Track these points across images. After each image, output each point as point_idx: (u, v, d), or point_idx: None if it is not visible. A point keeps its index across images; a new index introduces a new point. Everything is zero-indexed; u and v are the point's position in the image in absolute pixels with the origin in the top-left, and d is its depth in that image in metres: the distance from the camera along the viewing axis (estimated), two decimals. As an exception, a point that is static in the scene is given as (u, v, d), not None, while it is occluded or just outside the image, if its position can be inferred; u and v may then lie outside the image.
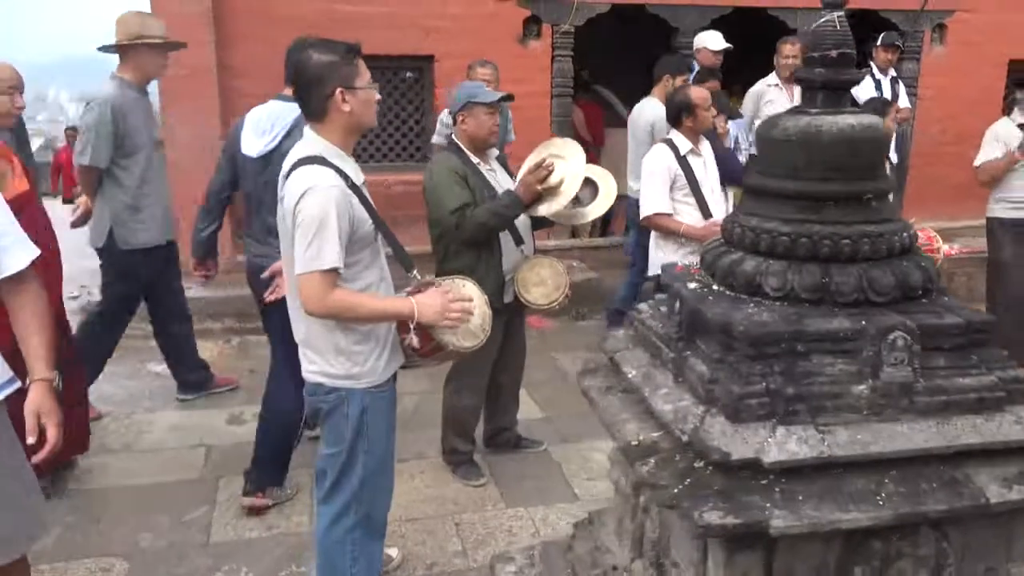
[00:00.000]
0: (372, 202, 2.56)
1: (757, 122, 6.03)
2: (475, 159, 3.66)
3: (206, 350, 5.49)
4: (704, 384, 1.84)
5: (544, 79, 6.37)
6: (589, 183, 3.79)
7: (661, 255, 4.36)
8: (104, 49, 4.28)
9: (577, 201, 3.73)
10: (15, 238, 2.22)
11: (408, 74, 6.20)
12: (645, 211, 4.28)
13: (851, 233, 1.83)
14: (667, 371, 2.03)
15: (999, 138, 5.11)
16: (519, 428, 4.27)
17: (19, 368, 2.39)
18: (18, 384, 2.27)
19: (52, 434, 2.19)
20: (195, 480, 3.94)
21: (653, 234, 4.47)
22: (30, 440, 2.17)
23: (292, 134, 3.55)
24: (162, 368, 5.22)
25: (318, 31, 5.83)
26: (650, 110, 5.38)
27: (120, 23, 4.16)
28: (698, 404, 1.86)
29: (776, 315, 1.82)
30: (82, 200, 4.43)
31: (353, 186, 2.45)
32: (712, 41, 5.70)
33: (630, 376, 2.11)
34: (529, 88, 5.97)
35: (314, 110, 2.47)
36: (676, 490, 1.75)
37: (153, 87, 4.98)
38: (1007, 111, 5.37)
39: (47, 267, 3.53)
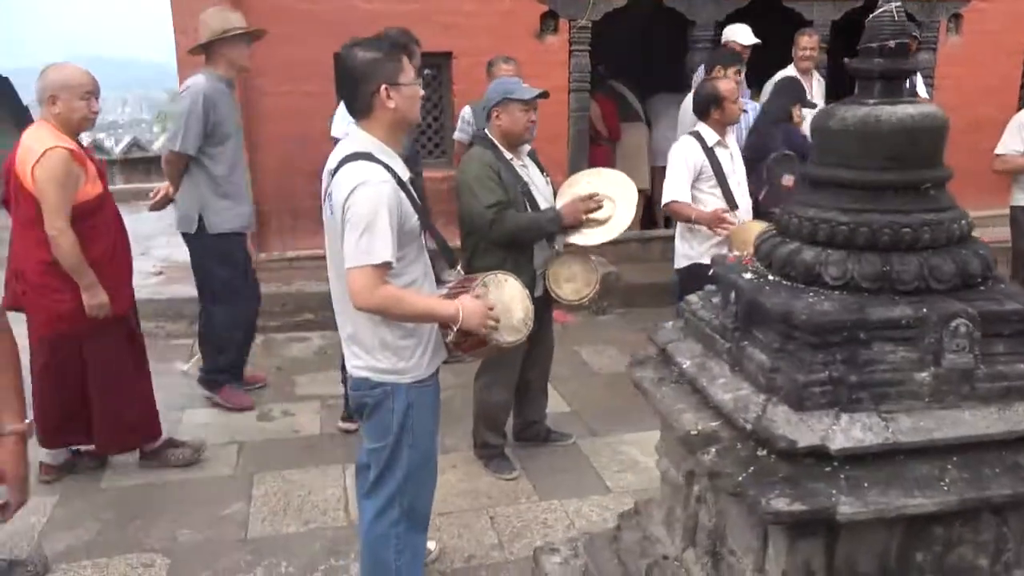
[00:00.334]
0: (417, 198, 2.58)
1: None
2: (508, 155, 3.68)
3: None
4: (765, 373, 1.85)
5: (561, 74, 6.38)
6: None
7: (686, 248, 4.38)
8: (193, 51, 4.49)
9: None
10: None
11: (426, 71, 6.20)
12: (665, 199, 4.32)
13: (911, 222, 1.84)
14: (723, 361, 2.04)
15: (1023, 129, 5.11)
16: (547, 422, 4.29)
17: None
18: None
19: (14, 499, 1.99)
20: (228, 477, 3.97)
21: (678, 228, 4.49)
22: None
23: None
24: (188, 367, 5.26)
25: (337, 29, 5.89)
26: None
27: (203, 23, 4.35)
28: (758, 393, 1.87)
29: (837, 304, 1.82)
30: (163, 186, 4.52)
31: (400, 182, 2.47)
32: (742, 35, 5.68)
33: (684, 366, 2.13)
34: (546, 83, 5.89)
35: (360, 107, 2.50)
36: (741, 478, 1.76)
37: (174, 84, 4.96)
38: None
39: (121, 264, 3.73)
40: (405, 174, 2.53)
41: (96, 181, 3.61)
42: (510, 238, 3.57)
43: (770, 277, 2.02)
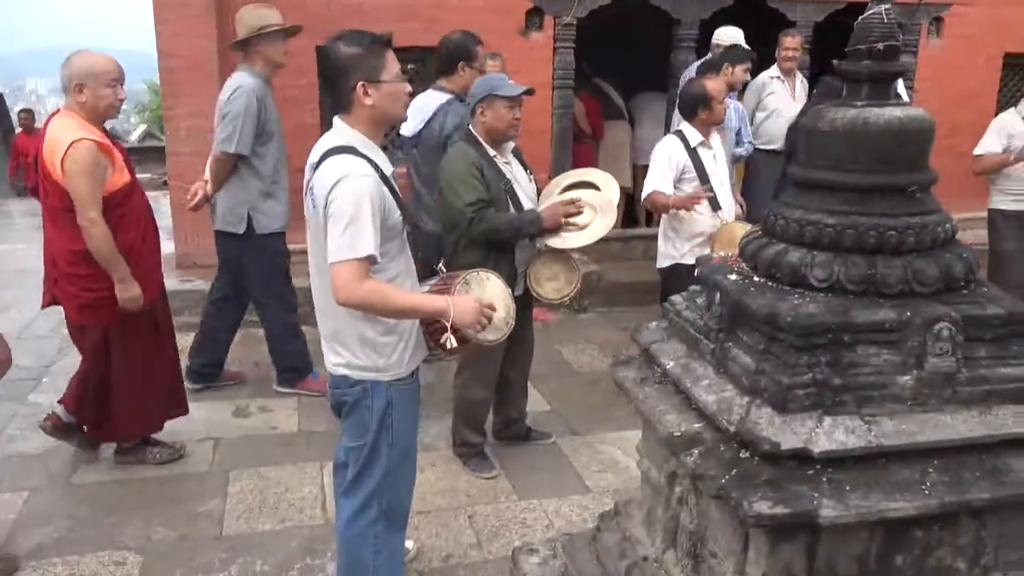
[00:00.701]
0: (400, 193, 2.54)
1: (759, 115, 6.07)
2: (491, 151, 3.65)
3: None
4: (749, 375, 1.84)
5: (546, 71, 6.36)
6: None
7: (669, 247, 4.38)
8: (231, 47, 4.52)
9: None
10: None
11: (410, 66, 6.16)
12: (645, 191, 4.31)
13: (896, 225, 1.84)
14: (707, 362, 2.04)
15: (1003, 130, 5.16)
16: (527, 421, 4.28)
17: None
18: None
19: None
20: (204, 473, 3.92)
21: (661, 226, 4.49)
22: None
23: (434, 119, 4.31)
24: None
25: (320, 23, 5.83)
26: None
27: (239, 20, 4.35)
28: (742, 395, 1.86)
29: (822, 306, 1.82)
30: (198, 185, 4.50)
31: (383, 176, 2.44)
32: (733, 38, 5.72)
33: (667, 367, 2.12)
34: (531, 80, 5.89)
35: (340, 102, 2.46)
36: (724, 480, 1.75)
37: (153, 75, 4.93)
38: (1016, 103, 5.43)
39: (150, 252, 3.75)
40: (388, 168, 2.50)
41: (123, 170, 3.59)
42: (489, 237, 3.55)
43: (755, 278, 2.01)
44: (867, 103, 1.88)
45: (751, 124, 5.95)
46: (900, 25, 6.58)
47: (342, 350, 2.55)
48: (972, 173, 5.38)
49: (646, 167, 6.80)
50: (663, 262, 4.42)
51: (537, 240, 3.75)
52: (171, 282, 5.48)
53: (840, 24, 6.65)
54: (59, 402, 3.88)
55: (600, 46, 7.26)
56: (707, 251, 4.04)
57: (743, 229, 3.96)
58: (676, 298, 2.30)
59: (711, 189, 4.20)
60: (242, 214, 4.36)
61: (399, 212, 2.49)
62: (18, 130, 12.71)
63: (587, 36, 6.60)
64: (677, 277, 4.07)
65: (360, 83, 2.39)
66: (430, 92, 4.42)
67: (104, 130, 3.59)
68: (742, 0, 6.49)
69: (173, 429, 4.25)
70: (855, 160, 1.86)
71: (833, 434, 1.73)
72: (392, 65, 2.45)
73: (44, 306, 3.86)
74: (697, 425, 1.95)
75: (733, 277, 2.03)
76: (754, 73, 6.27)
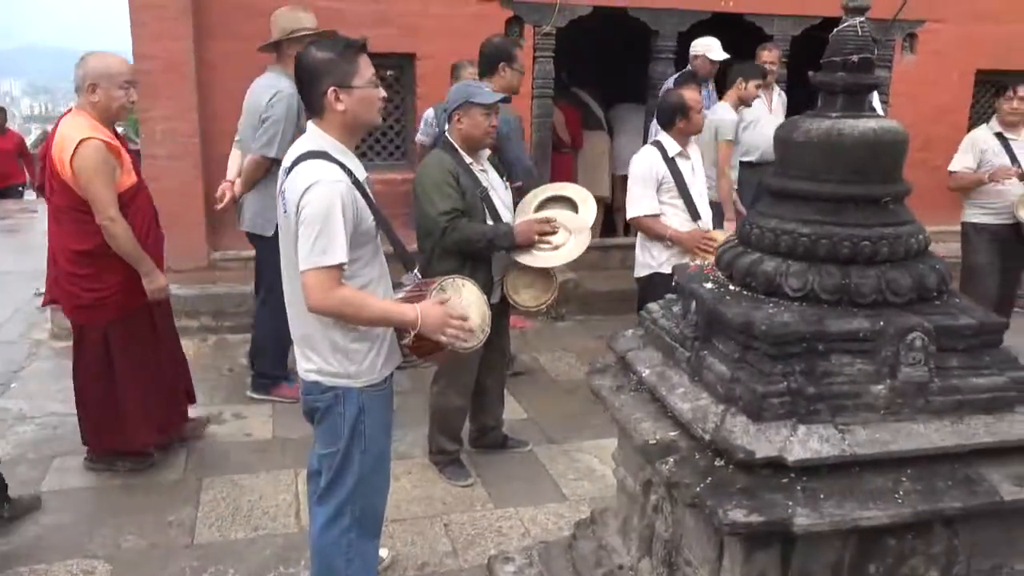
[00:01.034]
0: (374, 199, 2.53)
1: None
2: (468, 159, 3.65)
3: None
4: (724, 383, 1.85)
5: (525, 80, 6.35)
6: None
7: (647, 257, 4.38)
8: (263, 49, 4.52)
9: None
10: None
11: (389, 72, 6.15)
12: (631, 212, 4.31)
13: (870, 235, 1.86)
14: (682, 371, 2.04)
15: (976, 146, 5.24)
16: (504, 428, 4.26)
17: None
18: None
19: None
20: (176, 481, 3.86)
21: (639, 237, 4.49)
22: None
23: None
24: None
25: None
26: (717, 113, 5.52)
27: (273, 22, 4.38)
28: (717, 403, 1.87)
29: (797, 315, 1.83)
30: (225, 186, 4.54)
31: (356, 182, 2.42)
32: (714, 50, 5.76)
33: (643, 375, 2.12)
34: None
35: (312, 107, 2.46)
36: (699, 488, 1.76)
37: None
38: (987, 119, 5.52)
39: (154, 252, 3.76)
40: (361, 173, 2.49)
41: (131, 172, 3.62)
42: (462, 248, 3.54)
43: (731, 287, 2.02)
44: (842, 114, 1.90)
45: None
46: (874, 40, 6.68)
47: (314, 356, 2.53)
48: (946, 188, 5.46)
49: (624, 177, 6.84)
50: (641, 271, 4.42)
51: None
52: (145, 287, 5.45)
53: (816, 38, 6.75)
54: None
55: (580, 56, 7.29)
56: (686, 260, 4.06)
57: (722, 237, 3.99)
58: (652, 306, 2.30)
59: (689, 199, 4.21)
60: (271, 217, 4.30)
61: (372, 218, 2.47)
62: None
63: (567, 46, 6.62)
64: (655, 286, 4.08)
65: (331, 88, 2.38)
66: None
67: (115, 131, 3.61)
68: (720, 13, 6.55)
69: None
70: (830, 171, 1.88)
71: (807, 443, 1.74)
72: (365, 70, 2.44)
73: (44, 304, 3.95)
74: (672, 433, 1.95)
75: (709, 286, 2.04)
76: (730, 86, 6.33)
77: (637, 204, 4.24)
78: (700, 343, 1.99)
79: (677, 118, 4.20)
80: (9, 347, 5.45)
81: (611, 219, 7.46)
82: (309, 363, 2.55)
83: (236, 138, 4.70)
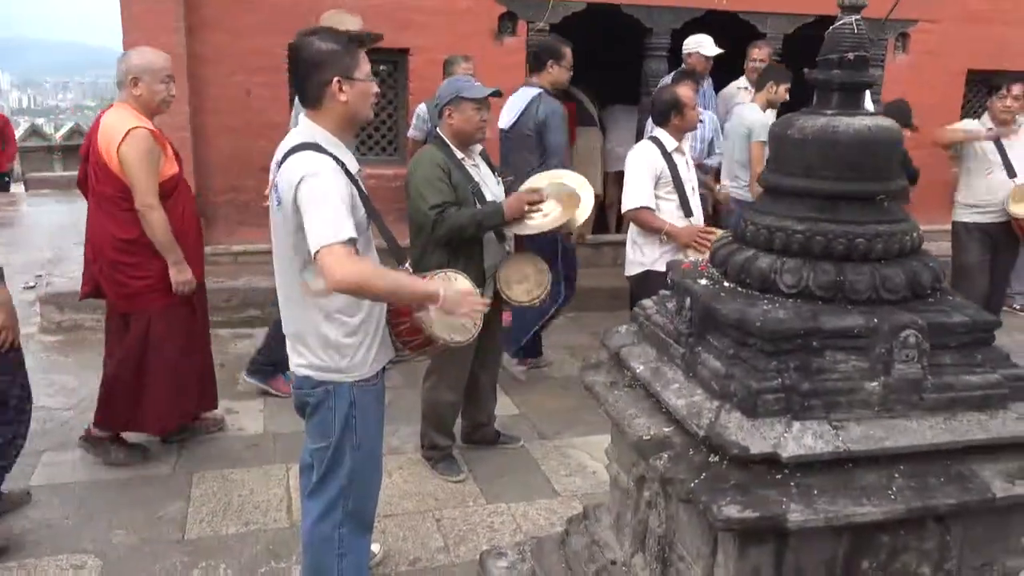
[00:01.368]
0: (367, 192, 2.53)
1: (727, 124, 6.13)
2: (459, 154, 3.65)
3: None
4: (719, 379, 1.85)
5: (518, 76, 6.33)
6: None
7: (638, 255, 4.38)
8: None
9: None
10: None
11: (382, 67, 6.13)
12: (628, 205, 4.29)
13: (865, 232, 1.86)
14: (676, 367, 2.04)
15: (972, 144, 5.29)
16: (496, 424, 4.27)
17: None
18: None
19: None
20: (167, 476, 3.85)
21: (630, 233, 4.49)
22: None
23: (527, 111, 4.73)
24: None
25: (289, 20, 5.77)
26: (749, 114, 5.56)
27: (321, 21, 4.45)
28: (712, 399, 1.87)
29: (791, 312, 1.84)
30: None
31: (349, 174, 2.42)
32: (706, 46, 5.81)
33: (637, 371, 2.12)
34: (503, 84, 5.93)
35: (310, 97, 2.44)
36: (693, 484, 1.76)
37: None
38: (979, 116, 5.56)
39: (194, 241, 3.88)
40: (354, 166, 2.48)
41: (172, 161, 3.73)
42: (453, 236, 3.53)
43: (725, 284, 2.03)
44: (837, 112, 1.90)
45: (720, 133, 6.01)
46: (870, 39, 6.71)
47: (305, 351, 2.52)
48: (932, 139, 5.50)
49: (616, 174, 6.84)
50: (632, 269, 4.42)
51: (506, 242, 3.75)
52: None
53: (809, 36, 6.76)
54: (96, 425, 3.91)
55: (573, 53, 7.28)
56: (678, 256, 4.06)
57: (714, 235, 4.00)
58: (646, 302, 2.30)
59: (684, 195, 4.22)
60: None
61: (364, 210, 2.46)
62: None
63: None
64: (648, 283, 4.08)
65: (336, 78, 2.38)
66: (523, 88, 4.90)
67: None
68: (714, 11, 6.56)
69: (129, 432, 4.18)
70: (824, 168, 1.89)
71: (802, 439, 1.74)
72: (364, 65, 2.45)
73: (82, 297, 4.01)
74: (667, 429, 1.95)
75: (703, 282, 2.04)
76: (723, 84, 6.35)
77: (634, 197, 4.23)
78: (694, 339, 1.99)
79: (672, 114, 4.20)
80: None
81: (602, 216, 7.46)
82: (301, 358, 2.54)
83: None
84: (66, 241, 6.95)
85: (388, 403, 2.79)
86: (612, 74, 7.77)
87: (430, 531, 3.49)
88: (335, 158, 2.39)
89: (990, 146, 5.24)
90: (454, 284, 2.78)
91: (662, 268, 4.11)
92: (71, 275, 6.10)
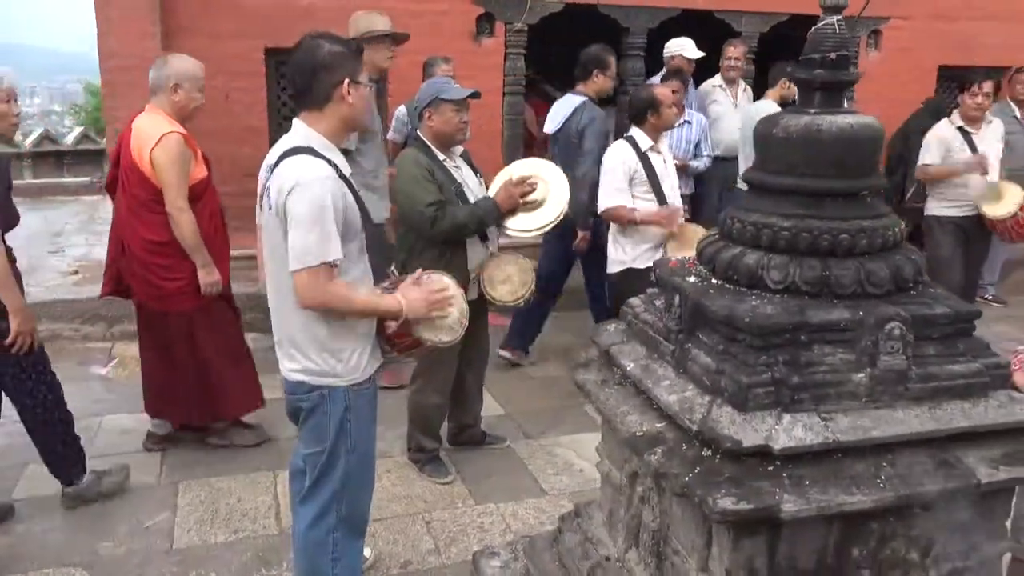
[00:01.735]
0: (359, 194, 2.53)
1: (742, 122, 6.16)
2: (441, 155, 3.66)
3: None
4: (710, 375, 1.88)
5: (497, 77, 6.38)
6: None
7: (620, 253, 4.42)
8: None
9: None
10: None
11: (361, 70, 6.12)
12: (603, 205, 4.34)
13: (849, 228, 1.90)
14: (667, 363, 2.07)
15: (941, 143, 5.37)
16: (481, 425, 4.28)
17: None
18: None
19: None
20: (152, 486, 3.82)
21: (611, 232, 4.53)
22: None
23: (572, 118, 4.93)
24: (105, 370, 5.06)
25: (269, 23, 5.74)
26: (767, 109, 5.56)
27: (350, 24, 4.59)
28: (703, 395, 1.90)
29: (779, 307, 1.87)
30: None
31: (343, 177, 2.42)
32: (688, 49, 5.90)
33: (628, 369, 2.14)
34: (481, 85, 5.94)
35: (316, 97, 2.43)
36: (687, 478, 1.79)
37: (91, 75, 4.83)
38: (948, 114, 5.65)
39: (222, 244, 3.94)
40: (347, 170, 2.49)
41: (202, 164, 3.81)
42: (452, 234, 3.54)
43: (713, 280, 2.05)
44: (820, 110, 1.94)
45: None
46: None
47: (298, 355, 2.52)
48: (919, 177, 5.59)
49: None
50: (614, 268, 4.46)
51: (490, 242, 3.76)
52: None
53: (784, 36, 6.85)
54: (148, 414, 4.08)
55: (551, 53, 7.32)
56: (659, 255, 4.10)
57: (696, 231, 4.04)
58: (634, 300, 2.33)
59: (662, 194, 4.26)
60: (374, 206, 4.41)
61: (359, 214, 2.47)
62: None
63: (538, 43, 6.65)
64: (630, 281, 4.11)
65: (346, 79, 2.41)
66: (569, 95, 5.06)
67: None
68: (689, 10, 6.62)
69: (113, 442, 4.15)
70: (809, 165, 1.92)
71: (792, 431, 1.78)
72: (363, 71, 2.48)
73: (103, 296, 4.12)
74: (659, 425, 1.98)
75: (692, 279, 2.07)
76: (699, 82, 6.41)
77: (608, 196, 4.27)
78: (684, 336, 2.02)
79: (648, 113, 4.24)
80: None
81: (583, 215, 7.49)
82: (293, 363, 2.54)
83: None
84: (39, 250, 6.86)
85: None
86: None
87: (420, 533, 3.49)
88: (329, 162, 2.39)
89: (961, 142, 5.33)
90: (419, 287, 2.74)
91: (642, 265, 4.16)
92: (47, 284, 6.04)
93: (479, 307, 3.79)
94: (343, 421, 2.54)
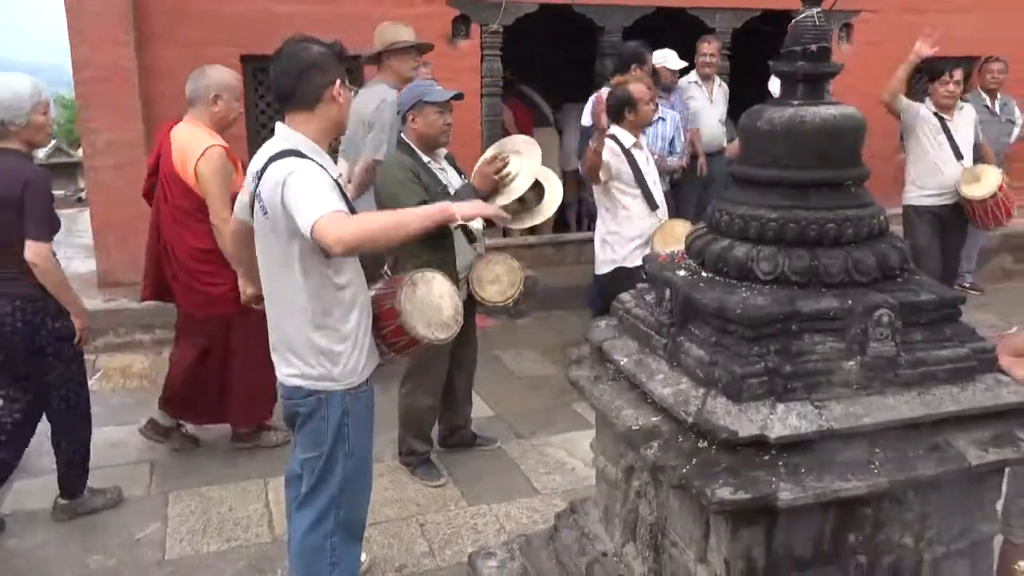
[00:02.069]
0: (349, 197, 2.53)
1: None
2: (425, 158, 3.66)
3: (136, 362, 5.30)
4: (703, 367, 1.90)
5: (474, 78, 6.38)
6: (536, 186, 3.84)
7: (609, 253, 4.44)
8: (366, 61, 4.86)
9: (523, 204, 3.77)
10: None
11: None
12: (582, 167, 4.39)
13: (835, 218, 1.93)
14: (660, 357, 2.09)
15: (916, 109, 5.43)
16: (472, 426, 4.28)
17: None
18: None
19: None
20: (142, 497, 3.78)
21: (597, 235, 4.56)
22: None
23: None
24: (93, 383, 4.99)
25: (246, 31, 5.70)
26: None
27: (376, 34, 4.67)
28: (697, 387, 1.92)
29: (769, 298, 1.89)
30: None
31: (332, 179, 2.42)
32: (671, 60, 6.03)
33: (621, 364, 2.16)
34: (459, 87, 5.95)
35: (305, 98, 2.42)
36: (685, 470, 1.80)
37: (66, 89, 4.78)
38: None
39: None
40: (334, 172, 2.48)
41: (242, 175, 3.79)
42: (437, 232, 3.53)
43: (703, 274, 2.07)
44: (802, 102, 1.96)
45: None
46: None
47: (295, 360, 2.51)
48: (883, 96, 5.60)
49: (573, 171, 6.90)
50: (603, 268, 4.48)
51: (478, 243, 3.76)
52: (95, 301, 5.31)
53: (757, 30, 6.91)
54: (160, 408, 4.15)
55: (527, 54, 7.34)
56: (648, 251, 4.12)
57: (683, 226, 4.07)
58: (624, 296, 2.35)
59: (647, 189, 4.28)
60: None
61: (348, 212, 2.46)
62: None
63: (514, 44, 6.66)
64: (620, 280, 4.14)
65: (338, 80, 2.42)
66: (605, 89, 5.04)
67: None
68: (663, 7, 6.66)
69: (103, 454, 4.10)
70: (794, 157, 1.95)
71: (787, 420, 1.80)
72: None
73: (143, 299, 4.24)
74: (654, 419, 1.99)
75: (682, 273, 2.09)
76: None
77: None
78: (676, 329, 2.03)
79: (626, 111, 4.27)
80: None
81: (563, 216, 7.53)
82: (290, 367, 2.53)
83: (340, 148, 4.80)
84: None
85: (368, 410, 2.78)
86: (565, 74, 7.84)
87: (414, 536, 3.49)
88: (317, 163, 2.39)
89: (936, 124, 5.41)
90: (432, 283, 2.77)
91: (632, 264, 4.18)
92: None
93: (468, 308, 3.79)
94: (341, 426, 2.54)
